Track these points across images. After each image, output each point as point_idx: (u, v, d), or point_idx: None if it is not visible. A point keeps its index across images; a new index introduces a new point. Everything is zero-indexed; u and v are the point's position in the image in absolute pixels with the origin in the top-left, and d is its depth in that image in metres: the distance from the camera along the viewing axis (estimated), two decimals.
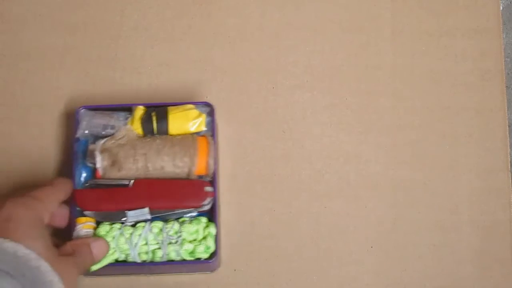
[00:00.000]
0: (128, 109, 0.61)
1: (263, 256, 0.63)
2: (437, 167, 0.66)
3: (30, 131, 0.66)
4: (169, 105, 0.61)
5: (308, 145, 0.66)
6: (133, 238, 0.56)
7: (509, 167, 0.66)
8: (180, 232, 0.56)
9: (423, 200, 0.65)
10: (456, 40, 0.70)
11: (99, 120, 0.60)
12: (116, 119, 0.60)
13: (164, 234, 0.56)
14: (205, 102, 0.61)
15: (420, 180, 0.66)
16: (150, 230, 0.56)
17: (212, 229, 0.57)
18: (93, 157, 0.58)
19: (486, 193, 0.65)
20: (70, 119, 0.66)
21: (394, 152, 0.66)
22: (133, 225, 0.57)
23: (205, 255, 0.57)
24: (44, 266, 0.44)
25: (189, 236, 0.56)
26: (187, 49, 0.69)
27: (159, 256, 0.56)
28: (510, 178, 0.66)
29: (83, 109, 0.61)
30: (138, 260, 0.56)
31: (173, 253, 0.56)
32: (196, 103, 0.61)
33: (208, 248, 0.57)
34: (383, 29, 0.70)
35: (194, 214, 0.58)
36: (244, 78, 0.68)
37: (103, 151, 0.58)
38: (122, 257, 0.56)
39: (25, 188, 0.54)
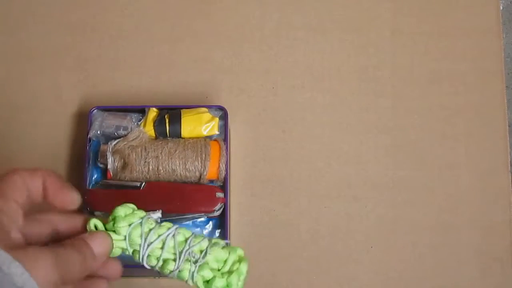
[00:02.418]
0: (140, 110, 0.61)
1: (263, 256, 0.63)
2: (437, 167, 0.66)
3: (30, 131, 0.66)
4: (182, 108, 0.61)
5: (308, 145, 0.66)
6: (151, 234, 0.45)
7: (509, 167, 0.66)
8: (206, 253, 0.45)
9: (423, 200, 0.65)
10: (456, 40, 0.70)
11: (112, 121, 0.60)
12: (128, 121, 0.60)
13: (187, 247, 0.45)
14: (218, 106, 0.61)
15: (420, 180, 0.66)
16: (174, 235, 0.45)
17: (243, 267, 0.46)
18: (104, 158, 0.58)
19: (486, 193, 0.65)
20: (74, 120, 0.66)
21: (394, 152, 0.66)
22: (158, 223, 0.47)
23: None
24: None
25: (213, 263, 0.46)
26: (187, 49, 0.69)
27: (169, 269, 0.45)
28: (510, 178, 0.66)
29: (96, 110, 0.61)
30: (145, 262, 0.45)
31: (186, 272, 0.45)
32: (209, 107, 0.61)
33: (229, 286, 0.45)
34: (383, 29, 0.70)
35: (206, 226, 0.57)
36: (244, 78, 0.68)
37: (114, 152, 0.58)
38: (129, 250, 0.45)
39: None
